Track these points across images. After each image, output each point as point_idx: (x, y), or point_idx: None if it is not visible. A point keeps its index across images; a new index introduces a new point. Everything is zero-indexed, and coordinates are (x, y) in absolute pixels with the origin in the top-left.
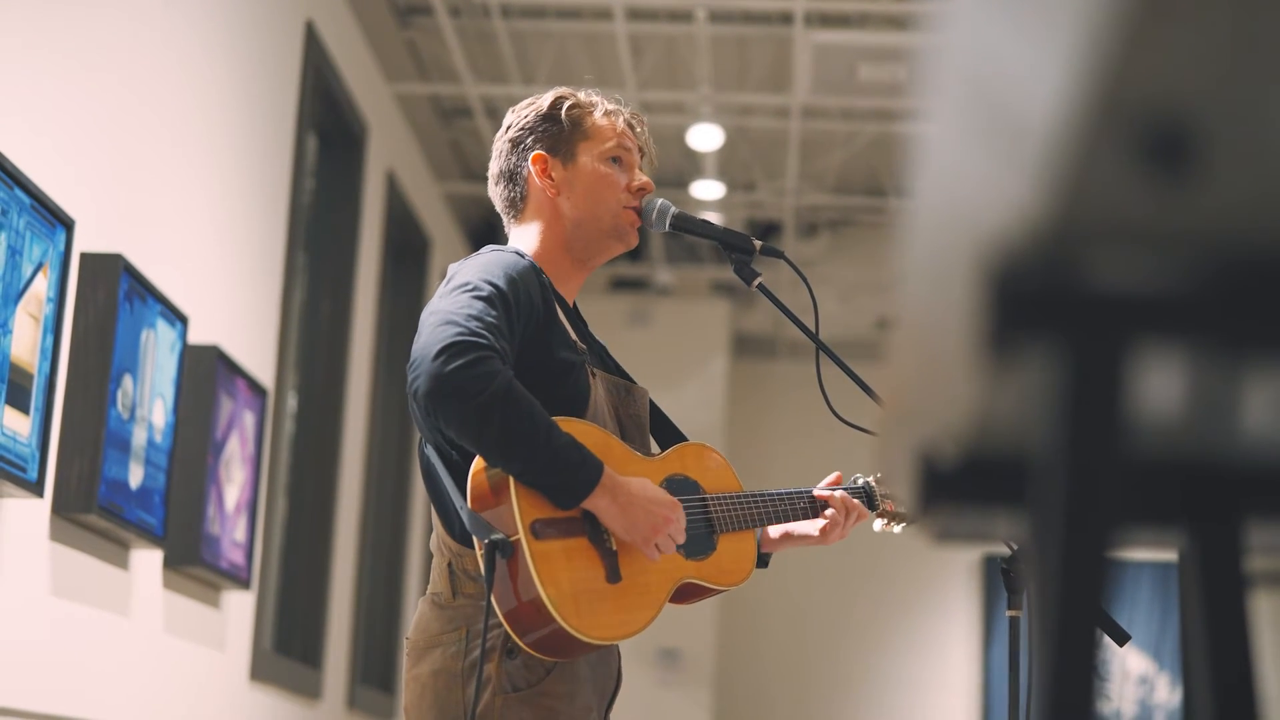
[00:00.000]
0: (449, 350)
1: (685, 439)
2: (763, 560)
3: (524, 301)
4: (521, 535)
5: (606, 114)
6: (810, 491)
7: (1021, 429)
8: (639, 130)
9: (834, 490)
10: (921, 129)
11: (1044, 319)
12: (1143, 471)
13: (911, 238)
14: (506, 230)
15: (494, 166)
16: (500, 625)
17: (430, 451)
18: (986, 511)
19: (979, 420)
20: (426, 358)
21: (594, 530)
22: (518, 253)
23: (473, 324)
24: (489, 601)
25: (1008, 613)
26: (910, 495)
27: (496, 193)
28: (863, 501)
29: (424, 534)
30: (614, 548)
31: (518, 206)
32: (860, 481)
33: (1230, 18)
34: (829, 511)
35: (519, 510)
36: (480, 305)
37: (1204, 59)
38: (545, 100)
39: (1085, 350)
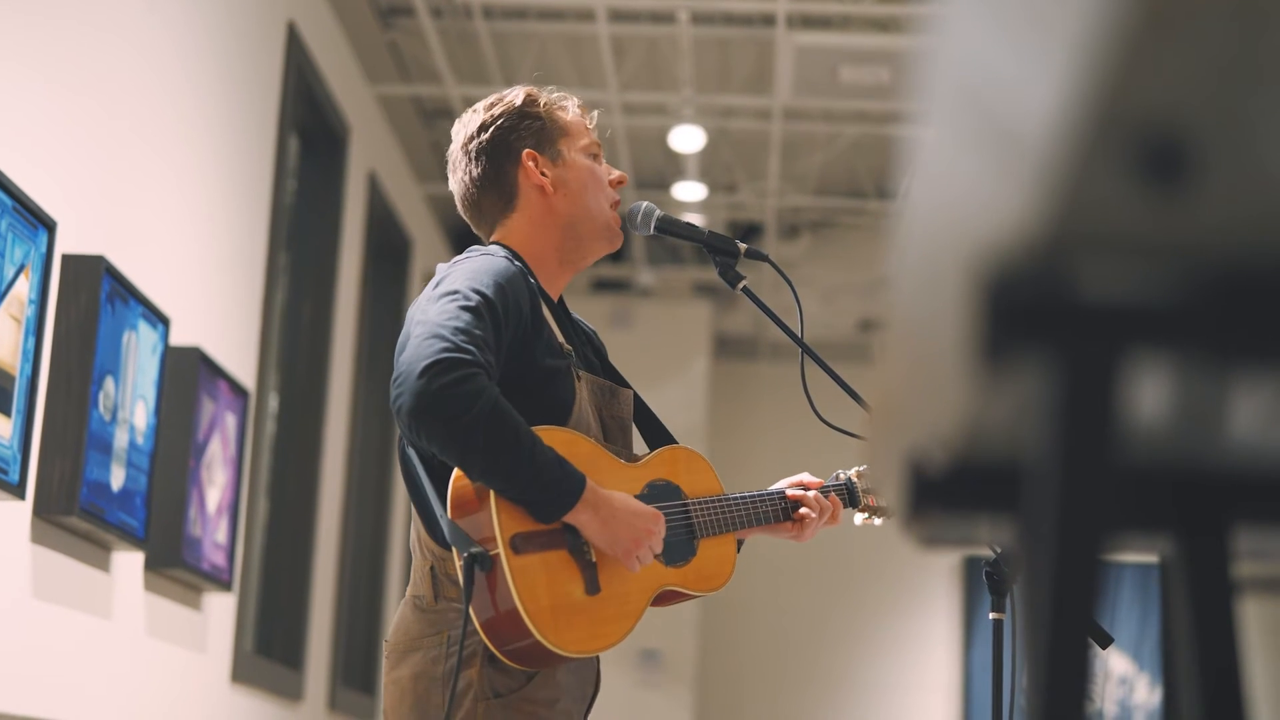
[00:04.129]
0: (435, 367)
1: (673, 438)
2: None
3: (512, 310)
4: (501, 550)
5: (577, 108)
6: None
7: (1012, 436)
8: (594, 125)
9: (807, 491)
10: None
11: (1037, 328)
12: (1133, 478)
13: (904, 244)
14: (488, 239)
15: (472, 172)
16: (478, 634)
17: (412, 453)
18: (974, 518)
19: (969, 427)
20: (412, 374)
21: (574, 541)
22: (508, 256)
23: (459, 338)
24: (466, 613)
25: (991, 615)
26: (898, 500)
27: (477, 200)
28: (844, 497)
29: (405, 535)
30: (593, 559)
31: (505, 210)
32: (843, 477)
33: (1231, 34)
34: (803, 510)
35: (499, 524)
36: (468, 317)
37: (1203, 74)
38: (517, 98)
39: (1078, 360)
